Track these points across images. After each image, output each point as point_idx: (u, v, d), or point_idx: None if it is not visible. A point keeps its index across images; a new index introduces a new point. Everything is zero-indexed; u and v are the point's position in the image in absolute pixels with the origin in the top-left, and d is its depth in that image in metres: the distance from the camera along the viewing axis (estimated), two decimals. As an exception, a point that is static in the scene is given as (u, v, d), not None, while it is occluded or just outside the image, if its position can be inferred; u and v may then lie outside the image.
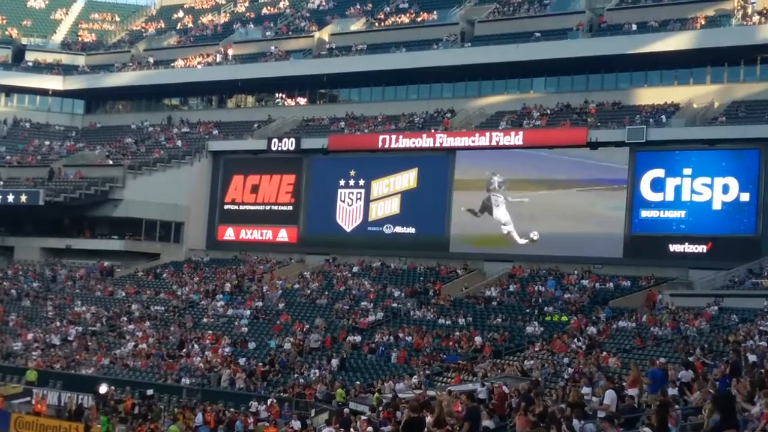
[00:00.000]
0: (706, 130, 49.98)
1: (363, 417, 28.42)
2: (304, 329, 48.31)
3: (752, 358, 26.65)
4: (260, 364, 45.10)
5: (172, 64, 72.28)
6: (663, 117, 51.77)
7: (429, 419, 20.50)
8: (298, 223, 60.90)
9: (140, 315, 54.17)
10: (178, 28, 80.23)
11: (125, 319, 53.94)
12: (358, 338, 46.39)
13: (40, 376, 46.46)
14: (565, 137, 52.81)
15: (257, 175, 62.69)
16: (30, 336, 52.87)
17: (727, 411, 14.81)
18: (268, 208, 62.08)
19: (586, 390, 25.81)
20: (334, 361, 43.79)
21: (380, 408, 29.64)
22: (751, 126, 48.59)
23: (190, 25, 79.88)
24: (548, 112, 56.46)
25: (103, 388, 42.17)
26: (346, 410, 32.50)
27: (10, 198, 62.92)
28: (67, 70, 76.25)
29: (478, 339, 43.22)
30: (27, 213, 64.67)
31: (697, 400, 19.65)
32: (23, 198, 62.46)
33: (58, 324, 54.13)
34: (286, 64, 66.88)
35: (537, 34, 58.22)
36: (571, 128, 53.32)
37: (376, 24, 68.16)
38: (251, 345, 48.04)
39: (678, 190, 49.53)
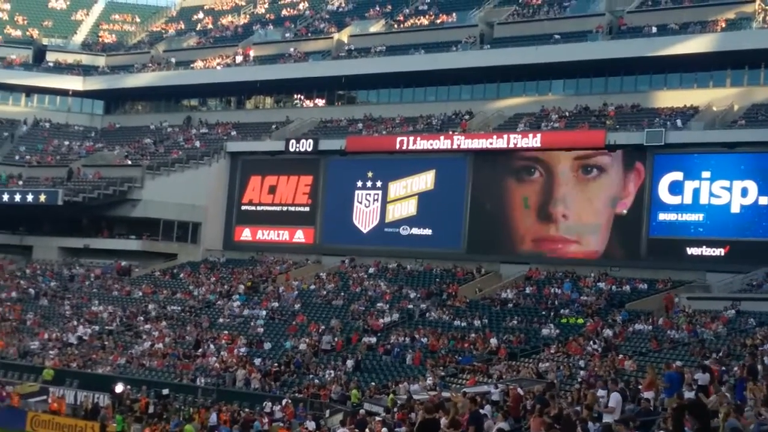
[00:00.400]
0: (726, 134, 49.67)
1: (378, 418, 28.40)
2: (320, 330, 48.32)
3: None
4: (275, 364, 45.13)
5: (191, 65, 72.53)
6: (678, 121, 51.44)
7: (444, 421, 20.45)
8: (315, 224, 60.93)
9: (156, 315, 54.33)
10: (198, 29, 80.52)
11: (142, 318, 54.11)
12: (373, 339, 46.35)
13: (57, 375, 46.66)
14: (583, 140, 52.61)
15: (275, 176, 62.79)
16: (47, 335, 53.10)
17: (702, 418, 14.84)
18: (285, 209, 62.15)
19: (601, 393, 25.71)
20: (350, 362, 43.77)
21: (395, 409, 29.61)
22: (770, 129, 48.25)
23: (210, 26, 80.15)
24: (567, 114, 56.26)
25: (119, 388, 42.34)
26: (361, 411, 32.51)
27: (30, 197, 63.26)
28: (87, 70, 76.63)
29: (493, 341, 43.09)
30: (46, 212, 65.02)
31: (713, 403, 19.49)
32: (42, 198, 62.79)
33: (75, 323, 54.35)
34: (304, 65, 66.97)
35: (556, 36, 58.02)
36: (590, 130, 53.11)
37: (395, 26, 68.15)
38: (267, 345, 48.08)
39: (696, 193, 49.24)
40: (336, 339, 46.80)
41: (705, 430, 14.64)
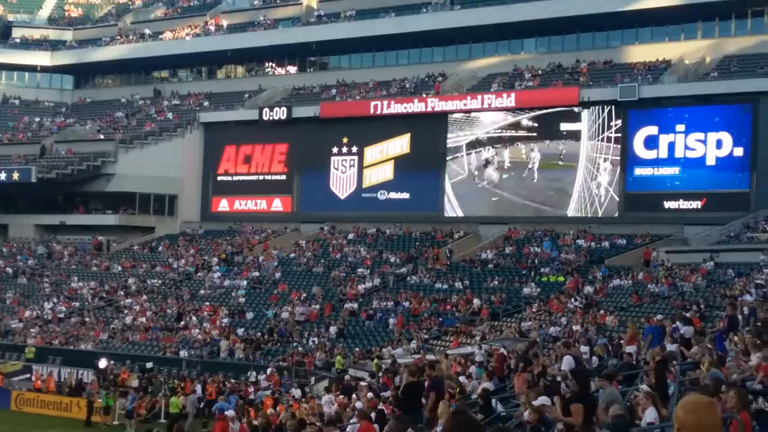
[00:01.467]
0: (699, 86, 49.80)
1: (363, 383, 28.51)
2: (302, 297, 48.33)
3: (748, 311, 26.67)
4: (259, 333, 45.14)
5: (160, 36, 71.77)
6: (649, 77, 51.49)
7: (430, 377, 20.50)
8: (292, 192, 60.76)
9: (137, 289, 54.15)
10: (165, -1, 79.61)
11: (122, 293, 53.92)
12: (355, 305, 46.41)
13: (40, 353, 46.50)
14: (557, 97, 52.60)
15: (250, 146, 62.49)
16: (27, 313, 52.84)
17: (583, 384, 15.13)
18: (261, 178, 61.92)
19: (584, 349, 25.89)
20: (333, 329, 43.84)
21: (380, 374, 29.72)
22: (743, 80, 48.42)
23: (177, -5, 79.25)
24: (540, 72, 56.20)
25: (102, 363, 42.25)
26: (346, 377, 32.60)
27: (3, 176, 62.69)
28: (55, 45, 75.74)
29: (476, 302, 43.22)
30: (20, 190, 64.51)
31: (695, 355, 19.66)
32: (15, 176, 62.22)
33: (55, 300, 54.09)
34: (275, 32, 66.47)
35: (526, -6, 57.74)
36: (563, 88, 53.09)
37: (365, -11, 67.57)
38: (249, 315, 48.07)
39: (671, 147, 49.43)
40: (310, 309, 46.64)
41: (584, 395, 14.92)
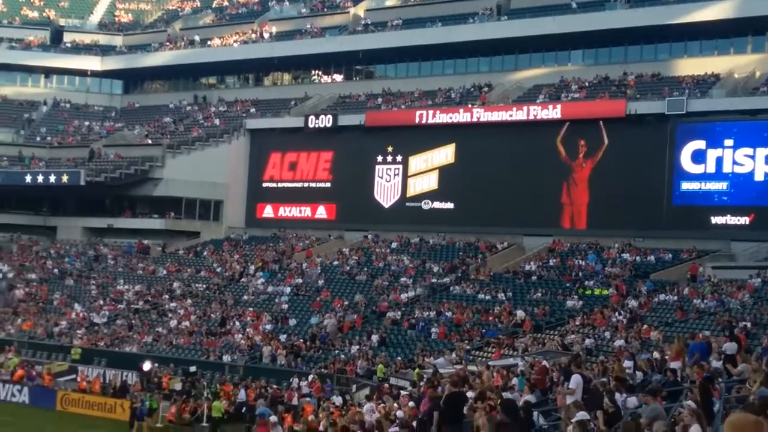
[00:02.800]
0: (748, 101, 49.30)
1: (404, 392, 28.56)
2: (344, 305, 48.51)
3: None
4: (301, 340, 45.37)
5: (208, 43, 72.51)
6: (698, 91, 51.08)
7: (471, 394, 20.55)
8: (336, 199, 60.99)
9: (182, 293, 54.67)
10: (213, 6, 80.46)
11: (167, 297, 54.46)
12: (398, 314, 46.47)
13: (85, 354, 47.11)
14: (604, 110, 52.32)
15: (295, 153, 62.87)
16: (74, 314, 53.56)
17: (512, 414, 15.02)
18: (306, 185, 62.26)
19: (627, 363, 25.75)
20: (374, 337, 43.94)
21: (421, 383, 29.73)
22: (793, 95, 47.87)
23: (226, 3, 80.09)
24: (586, 84, 55.98)
25: (146, 366, 42.71)
26: (385, 385, 32.67)
27: (52, 178, 63.65)
28: (105, 50, 76.77)
29: (520, 313, 43.07)
30: (68, 193, 65.46)
31: (741, 372, 19.50)
32: (65, 178, 63.15)
33: (101, 302, 54.79)
34: (321, 40, 66.87)
35: (574, 6, 57.64)
36: (610, 100, 52.83)
37: (411, -1, 67.86)
38: (292, 321, 48.33)
39: (719, 161, 48.93)
40: (342, 320, 46.79)
41: (514, 425, 14.81)
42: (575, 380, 19.51)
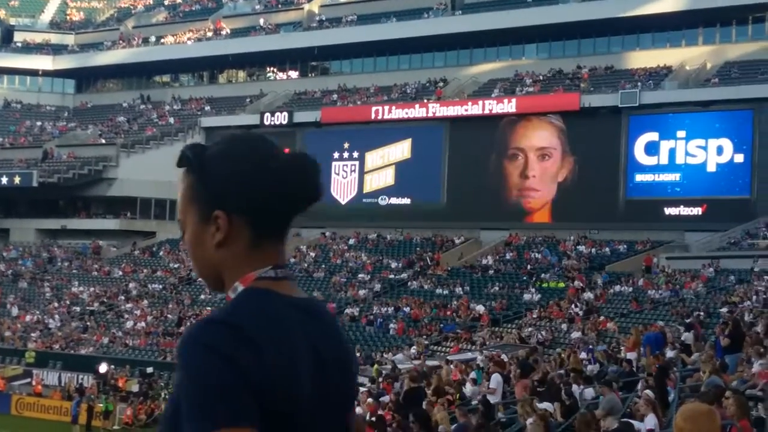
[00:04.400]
0: (700, 92, 49.86)
1: (363, 388, 28.49)
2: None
3: (749, 318, 26.71)
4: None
5: (161, 41, 71.88)
6: (650, 83, 51.57)
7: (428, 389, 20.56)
8: (293, 197, 60.62)
9: (138, 293, 54.15)
10: (166, 3, 79.67)
11: (123, 298, 53.93)
12: (356, 310, 46.41)
13: (40, 357, 46.52)
14: (558, 103, 52.64)
15: (251, 150, 62.37)
16: (28, 317, 52.86)
17: (425, 423, 15.22)
18: (262, 182, 61.81)
19: (584, 355, 25.93)
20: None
21: (380, 379, 29.70)
22: (744, 86, 48.43)
23: (179, 0, 79.35)
24: (541, 78, 56.28)
25: (103, 368, 42.28)
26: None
27: (4, 180, 62.77)
28: (57, 49, 75.82)
29: (480, 307, 43.17)
30: (21, 194, 64.58)
31: (695, 361, 19.70)
32: (17, 180, 62.31)
33: (56, 305, 54.13)
34: (276, 37, 66.55)
35: (528, 0, 57.88)
36: (564, 94, 53.15)
37: (366, -6, 67.71)
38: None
39: (672, 153, 49.47)
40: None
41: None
42: (495, 379, 19.60)
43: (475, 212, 54.31)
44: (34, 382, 43.54)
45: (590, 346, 28.56)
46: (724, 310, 31.55)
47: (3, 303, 55.61)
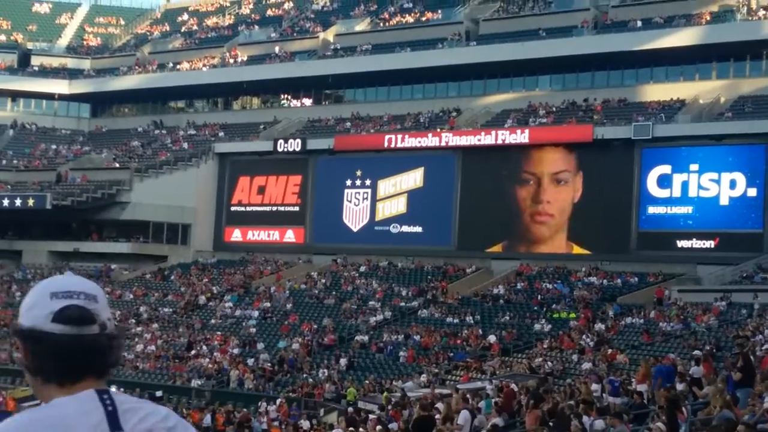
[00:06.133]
0: (713, 126, 49.93)
1: (372, 416, 28.45)
2: (312, 329, 48.36)
3: (761, 353, 26.63)
4: (268, 364, 45.15)
5: (177, 67, 72.37)
6: (663, 116, 51.67)
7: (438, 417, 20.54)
8: (305, 223, 60.92)
9: (148, 317, 54.26)
10: (183, 30, 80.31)
11: (133, 321, 54.02)
12: (366, 337, 46.39)
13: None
14: (571, 134, 52.78)
15: (264, 177, 62.76)
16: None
17: None
18: (274, 209, 62.14)
19: (595, 386, 25.86)
20: (343, 361, 43.82)
21: (389, 407, 29.68)
22: (757, 121, 48.48)
23: (195, 27, 80.00)
24: (554, 109, 56.44)
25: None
26: (349, 409, 32.55)
27: (18, 202, 63.07)
28: (73, 74, 76.41)
29: (491, 337, 43.10)
30: (34, 217, 64.83)
31: (706, 395, 19.64)
32: (30, 202, 62.60)
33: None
34: (291, 65, 66.94)
35: (542, 32, 58.20)
36: (578, 125, 53.27)
37: (381, 24, 68.20)
38: (260, 345, 48.09)
39: (685, 186, 49.48)
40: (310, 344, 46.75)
41: None
42: (463, 416, 19.54)
43: (487, 241, 54.41)
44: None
45: (610, 377, 28.43)
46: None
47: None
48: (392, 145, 57.40)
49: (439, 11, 65.86)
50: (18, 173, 68.46)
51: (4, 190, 65.54)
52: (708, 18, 54.03)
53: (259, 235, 62.63)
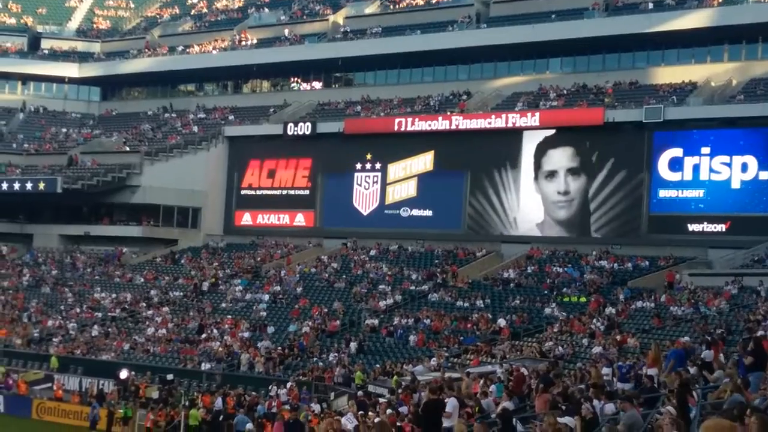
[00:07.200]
0: (724, 109, 49.65)
1: (382, 399, 28.46)
2: (323, 313, 48.41)
3: None
4: (279, 348, 45.23)
5: (187, 50, 72.30)
6: (675, 99, 51.38)
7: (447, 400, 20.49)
8: (315, 207, 60.90)
9: (159, 300, 54.38)
10: (192, 13, 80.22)
11: (144, 304, 54.16)
12: (376, 321, 46.40)
13: (61, 362, 46.77)
14: (582, 117, 52.54)
15: (274, 160, 62.73)
16: (50, 323, 53.17)
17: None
18: (284, 192, 62.13)
19: (606, 370, 25.80)
20: (353, 345, 43.86)
21: (399, 390, 29.67)
22: (769, 104, 48.18)
23: (205, 10, 79.86)
24: (565, 92, 56.19)
25: (123, 374, 42.44)
26: (359, 393, 32.55)
27: (29, 186, 63.25)
28: (83, 57, 76.43)
29: (500, 321, 43.05)
30: (45, 200, 65.03)
31: (717, 379, 19.56)
32: (41, 185, 62.75)
33: (78, 310, 54.43)
34: (301, 48, 66.80)
35: (553, 15, 57.87)
36: (589, 108, 53.03)
37: (391, 6, 67.95)
38: (270, 329, 48.16)
39: (696, 169, 49.23)
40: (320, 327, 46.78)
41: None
42: (452, 404, 19.50)
43: (496, 225, 54.33)
44: (55, 387, 43.75)
45: (619, 363, 28.34)
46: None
47: (26, 308, 55.96)
48: (402, 129, 57.26)
49: (450, -7, 65.58)
50: (28, 157, 68.64)
51: (15, 173, 65.70)
52: (720, 0, 53.64)
53: (269, 218, 62.65)
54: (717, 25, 51.87)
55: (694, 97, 51.35)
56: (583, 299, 44.64)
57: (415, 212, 57.09)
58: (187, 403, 37.82)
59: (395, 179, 57.94)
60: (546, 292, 46.30)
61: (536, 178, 53.38)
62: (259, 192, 63.24)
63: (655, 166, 50.15)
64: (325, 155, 60.62)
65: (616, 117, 51.23)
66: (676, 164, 49.69)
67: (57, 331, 51.79)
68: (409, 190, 57.46)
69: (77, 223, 66.25)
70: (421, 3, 66.23)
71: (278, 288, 53.15)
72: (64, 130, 72.85)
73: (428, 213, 56.69)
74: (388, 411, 24.36)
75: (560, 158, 52.86)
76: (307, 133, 60.85)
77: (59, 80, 75.84)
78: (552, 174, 52.94)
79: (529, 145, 53.58)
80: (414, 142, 57.21)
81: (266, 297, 52.23)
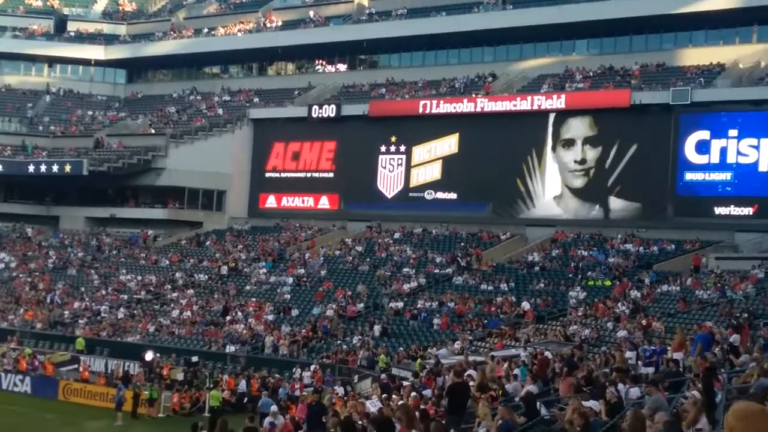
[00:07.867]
0: (753, 91, 49.08)
1: (406, 383, 28.48)
2: (347, 295, 48.44)
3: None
4: (303, 330, 45.32)
5: (212, 32, 72.37)
6: (702, 81, 50.86)
7: (473, 384, 20.47)
8: (340, 189, 60.87)
9: (184, 283, 54.61)
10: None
11: (169, 287, 54.41)
12: (400, 304, 46.38)
13: (87, 344, 47.10)
14: (608, 100, 52.13)
15: (298, 143, 62.74)
16: (76, 305, 53.55)
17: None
18: (309, 175, 62.15)
19: (629, 354, 25.68)
20: (377, 328, 43.87)
21: (422, 374, 29.67)
22: (799, 85, 47.63)
23: (230, -8, 79.84)
24: (591, 74, 55.77)
25: (148, 356, 42.68)
26: (383, 376, 32.57)
27: (55, 168, 63.62)
28: (109, 39, 76.67)
29: (525, 304, 42.92)
30: (71, 183, 65.43)
31: (743, 363, 19.41)
32: (67, 168, 63.11)
33: (103, 292, 54.77)
34: (326, 30, 66.70)
35: (579, -5, 57.38)
36: (615, 90, 52.61)
37: (416, -12, 67.61)
38: (294, 312, 48.27)
39: (723, 151, 48.73)
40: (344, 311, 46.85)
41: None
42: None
43: (521, 208, 54.10)
44: (81, 368, 44.07)
45: (644, 347, 28.20)
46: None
47: (53, 289, 56.37)
48: (427, 111, 57.08)
49: (475, -25, 65.17)
50: (55, 139, 69.04)
51: (41, 156, 66.13)
52: (749, -20, 52.97)
53: (293, 201, 62.72)
54: (746, 6, 51.24)
55: (722, 78, 50.82)
56: (608, 283, 44.40)
57: (440, 195, 56.95)
58: (211, 385, 38.06)
59: (420, 162, 57.80)
60: (570, 275, 46.10)
61: (554, 148, 53.13)
62: (283, 175, 63.29)
63: (681, 148, 49.70)
64: (349, 138, 60.53)
65: (642, 99, 50.80)
66: (703, 147, 49.20)
67: (83, 313, 52.14)
68: (434, 172, 57.30)
69: (103, 205, 66.68)
70: (446, -16, 65.81)
71: (302, 271, 53.23)
72: (90, 112, 73.18)
73: (453, 196, 56.53)
74: (413, 394, 24.37)
75: (578, 128, 52.56)
76: (332, 115, 60.81)
77: (85, 63, 76.14)
78: (570, 142, 52.70)
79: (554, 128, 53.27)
80: (439, 125, 57.01)
81: (290, 280, 52.32)
